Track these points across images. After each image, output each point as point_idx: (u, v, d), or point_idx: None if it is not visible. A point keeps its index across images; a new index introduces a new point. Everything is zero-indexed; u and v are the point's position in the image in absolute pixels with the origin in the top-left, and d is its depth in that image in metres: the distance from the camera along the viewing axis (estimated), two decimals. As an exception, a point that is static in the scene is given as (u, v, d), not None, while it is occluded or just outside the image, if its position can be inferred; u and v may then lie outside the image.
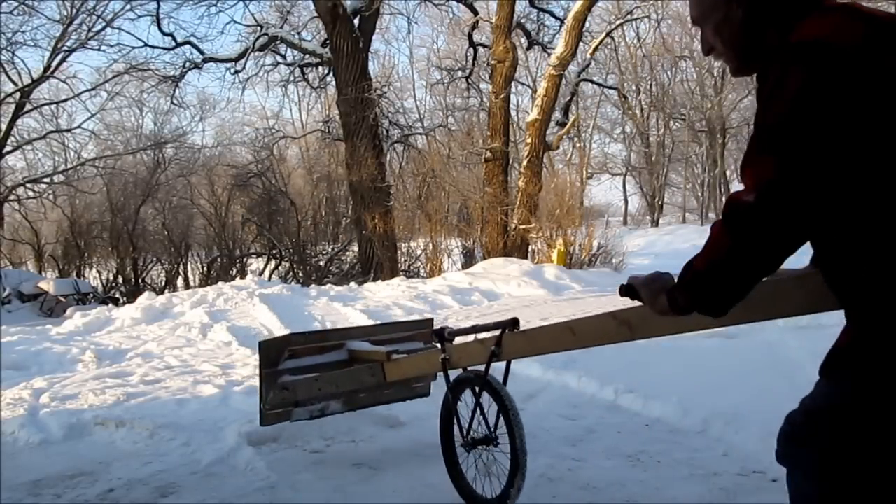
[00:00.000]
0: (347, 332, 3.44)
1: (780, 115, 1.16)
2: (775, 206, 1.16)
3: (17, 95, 16.77)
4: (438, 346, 2.56)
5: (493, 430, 2.38)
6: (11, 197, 18.93)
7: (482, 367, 2.40)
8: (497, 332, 2.33)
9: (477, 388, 2.44)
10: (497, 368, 2.43)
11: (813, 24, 1.19)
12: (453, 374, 2.58)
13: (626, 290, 1.46)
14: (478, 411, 2.43)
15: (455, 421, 2.50)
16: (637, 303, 1.50)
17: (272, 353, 3.04)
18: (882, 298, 1.16)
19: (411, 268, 14.78)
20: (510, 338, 2.29)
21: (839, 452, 1.24)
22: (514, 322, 2.31)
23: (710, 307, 1.31)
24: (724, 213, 1.22)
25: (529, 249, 13.82)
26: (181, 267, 17.44)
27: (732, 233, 1.21)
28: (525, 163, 14.29)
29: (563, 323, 2.12)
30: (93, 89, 18.33)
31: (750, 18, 1.27)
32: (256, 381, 4.04)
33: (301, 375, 2.99)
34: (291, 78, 16.86)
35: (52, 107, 18.85)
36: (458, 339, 2.58)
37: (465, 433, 2.47)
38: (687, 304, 1.35)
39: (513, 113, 21.88)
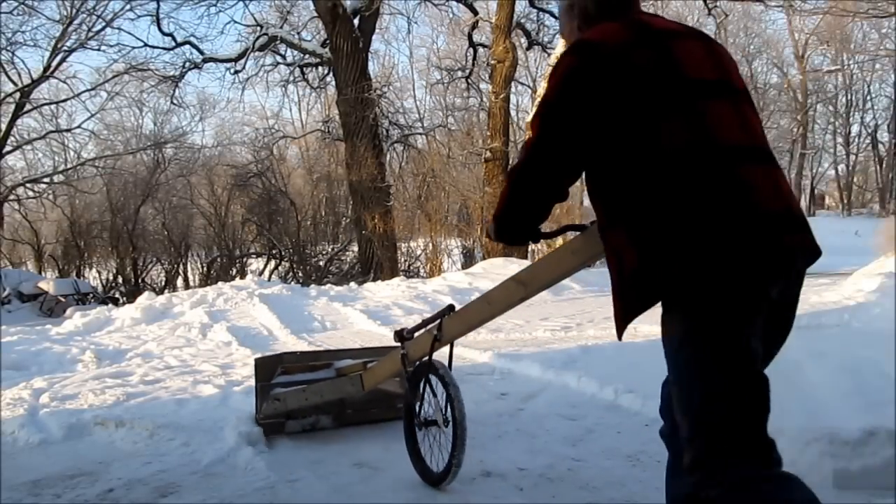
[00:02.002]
0: (336, 353, 3.72)
1: (550, 90, 1.56)
2: (537, 158, 1.58)
3: (17, 95, 16.78)
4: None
5: (444, 412, 2.60)
6: (11, 197, 18.94)
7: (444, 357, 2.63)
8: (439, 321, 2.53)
9: (429, 374, 2.65)
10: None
11: (596, 29, 1.59)
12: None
13: None
14: (430, 394, 2.66)
15: (416, 409, 2.71)
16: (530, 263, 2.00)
17: (266, 368, 3.42)
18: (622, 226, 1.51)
19: (411, 268, 14.79)
20: (448, 321, 2.47)
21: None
22: (451, 307, 2.52)
23: (503, 236, 1.76)
24: (510, 169, 1.70)
25: (529, 249, 13.83)
26: (181, 267, 17.46)
27: (510, 180, 1.67)
28: (525, 163, 14.26)
29: (481, 297, 2.35)
30: (93, 89, 18.36)
31: (578, 23, 1.72)
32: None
33: (291, 388, 3.25)
34: (291, 78, 16.88)
35: (52, 107, 18.88)
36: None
37: (417, 416, 2.70)
38: (492, 233, 1.79)
39: (513, 113, 21.84)
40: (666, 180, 1.44)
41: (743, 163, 1.47)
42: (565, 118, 1.52)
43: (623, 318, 1.53)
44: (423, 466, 2.72)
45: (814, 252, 1.54)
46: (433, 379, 2.66)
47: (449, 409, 2.59)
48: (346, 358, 3.43)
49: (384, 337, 6.77)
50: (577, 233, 1.88)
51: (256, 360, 3.48)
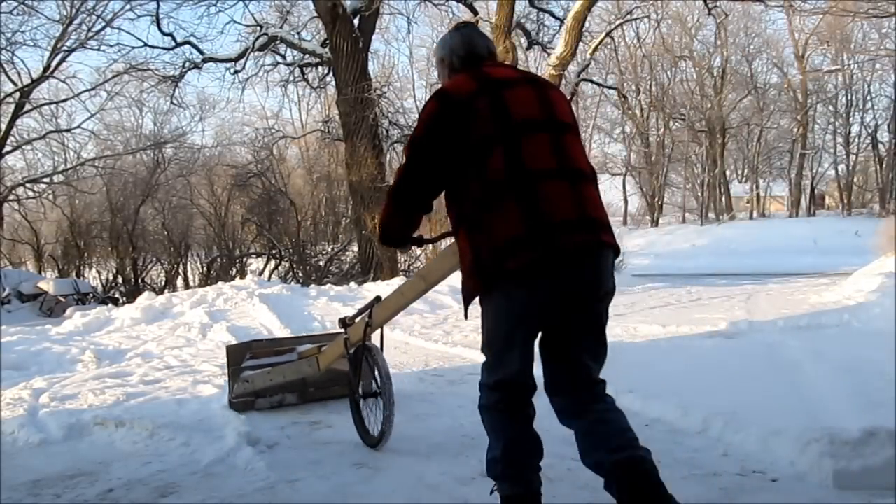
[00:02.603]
0: (298, 339, 4.23)
1: (417, 128, 2.07)
2: (407, 180, 2.09)
3: (17, 95, 16.76)
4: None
5: (377, 385, 3.12)
6: (11, 197, 18.91)
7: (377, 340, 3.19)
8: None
9: (365, 353, 3.17)
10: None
11: (453, 80, 2.12)
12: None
13: None
14: (368, 370, 3.19)
15: (358, 383, 3.23)
16: (434, 261, 2.61)
17: (237, 354, 3.94)
18: (461, 232, 2.04)
19: (411, 268, 14.76)
20: (376, 310, 2.98)
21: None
22: (378, 298, 3.03)
23: (386, 240, 2.27)
24: (388, 189, 2.16)
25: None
26: (181, 267, 17.42)
27: (389, 198, 2.16)
28: (525, 163, 14.24)
29: (396, 289, 2.89)
30: (92, 89, 18.32)
31: (448, 73, 2.23)
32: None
33: (258, 370, 3.76)
34: (291, 78, 16.84)
35: (52, 107, 18.85)
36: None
37: (356, 390, 3.22)
38: (378, 237, 2.29)
39: (513, 113, 21.71)
40: (487, 197, 1.94)
41: (545, 182, 1.93)
42: (427, 150, 2.04)
43: (466, 300, 2.07)
44: (363, 431, 3.19)
45: (605, 247, 1.98)
46: (371, 357, 3.16)
47: (380, 383, 3.07)
48: (307, 343, 3.88)
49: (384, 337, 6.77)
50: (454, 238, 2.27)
51: (227, 348, 4.04)
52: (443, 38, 2.30)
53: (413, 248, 2.43)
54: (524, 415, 2.10)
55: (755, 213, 35.64)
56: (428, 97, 2.07)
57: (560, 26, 15.28)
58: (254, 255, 17.97)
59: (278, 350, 3.98)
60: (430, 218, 13.88)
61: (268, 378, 3.66)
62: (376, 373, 3.11)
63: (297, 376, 3.62)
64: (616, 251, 2.04)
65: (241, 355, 3.94)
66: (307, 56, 15.64)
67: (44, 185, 19.91)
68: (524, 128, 1.97)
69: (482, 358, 2.69)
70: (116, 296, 15.25)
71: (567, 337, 2.01)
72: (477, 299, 2.05)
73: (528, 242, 1.87)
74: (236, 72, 16.07)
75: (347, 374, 3.44)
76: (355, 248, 15.45)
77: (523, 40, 17.58)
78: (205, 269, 17.24)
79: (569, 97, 16.17)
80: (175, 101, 17.15)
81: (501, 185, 1.92)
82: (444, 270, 2.57)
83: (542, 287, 1.90)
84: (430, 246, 14.04)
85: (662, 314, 7.23)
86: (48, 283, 13.42)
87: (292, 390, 3.94)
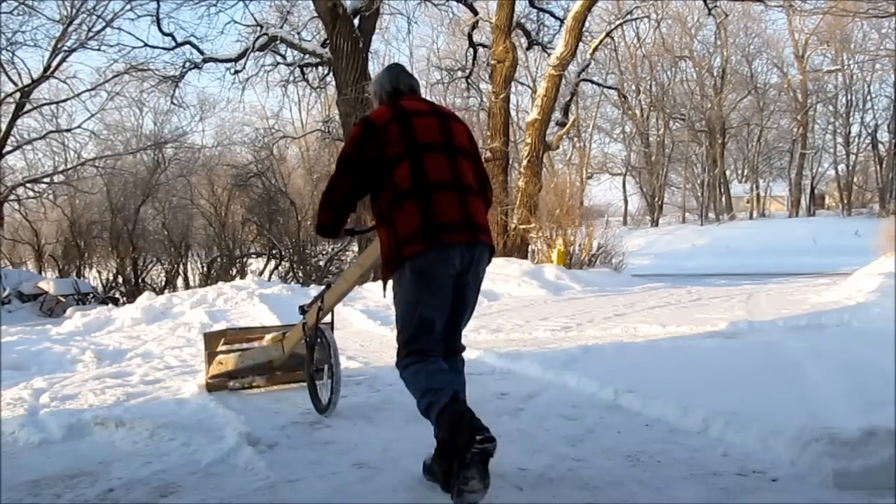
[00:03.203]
0: (267, 329, 4.76)
1: (345, 145, 2.68)
2: (334, 186, 2.68)
3: (17, 95, 16.77)
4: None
5: (330, 363, 3.59)
6: (11, 197, 18.92)
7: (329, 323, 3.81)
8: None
9: (318, 335, 3.67)
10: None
11: (376, 109, 2.70)
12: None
13: None
14: (323, 348, 3.65)
15: (312, 360, 3.69)
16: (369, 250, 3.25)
17: (213, 341, 4.46)
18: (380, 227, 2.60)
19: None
20: (326, 296, 3.51)
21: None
22: (329, 285, 3.55)
23: (321, 232, 2.82)
24: (323, 192, 2.75)
25: (529, 249, 13.83)
26: (181, 267, 17.41)
27: (322, 199, 2.74)
28: (525, 163, 14.31)
29: (340, 276, 3.42)
30: (93, 89, 18.36)
31: (377, 104, 2.80)
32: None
33: (230, 354, 4.27)
34: (291, 78, 16.87)
35: (52, 107, 18.88)
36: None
37: (311, 365, 3.68)
38: (314, 230, 3.04)
39: (513, 113, 21.85)
40: (397, 200, 2.50)
41: (439, 192, 2.50)
42: (351, 163, 2.62)
43: (384, 280, 2.63)
44: (316, 401, 3.69)
45: (481, 244, 2.54)
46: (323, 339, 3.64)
47: (331, 359, 3.56)
48: (275, 331, 4.38)
49: (384, 336, 6.77)
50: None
51: (204, 334, 4.59)
52: (376, 75, 2.89)
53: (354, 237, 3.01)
54: (434, 359, 2.53)
55: (755, 213, 35.66)
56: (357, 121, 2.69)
57: (560, 26, 15.30)
58: (254, 255, 17.98)
59: (249, 337, 4.49)
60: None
61: (239, 360, 4.18)
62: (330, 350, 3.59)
63: (265, 359, 4.17)
64: (491, 250, 2.62)
65: (216, 341, 4.43)
66: (307, 56, 15.65)
67: (44, 185, 19.94)
68: (426, 148, 2.55)
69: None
70: (116, 296, 15.25)
71: (453, 309, 2.59)
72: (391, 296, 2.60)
73: (422, 236, 2.43)
74: (236, 72, 16.10)
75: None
76: (355, 248, 15.45)
77: (523, 40, 17.60)
78: (205, 269, 17.24)
79: (569, 97, 16.17)
80: (175, 101, 17.20)
81: (408, 192, 2.48)
82: (374, 257, 3.13)
83: (432, 271, 2.46)
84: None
85: (662, 314, 7.23)
86: (48, 283, 13.42)
87: (261, 373, 4.36)
